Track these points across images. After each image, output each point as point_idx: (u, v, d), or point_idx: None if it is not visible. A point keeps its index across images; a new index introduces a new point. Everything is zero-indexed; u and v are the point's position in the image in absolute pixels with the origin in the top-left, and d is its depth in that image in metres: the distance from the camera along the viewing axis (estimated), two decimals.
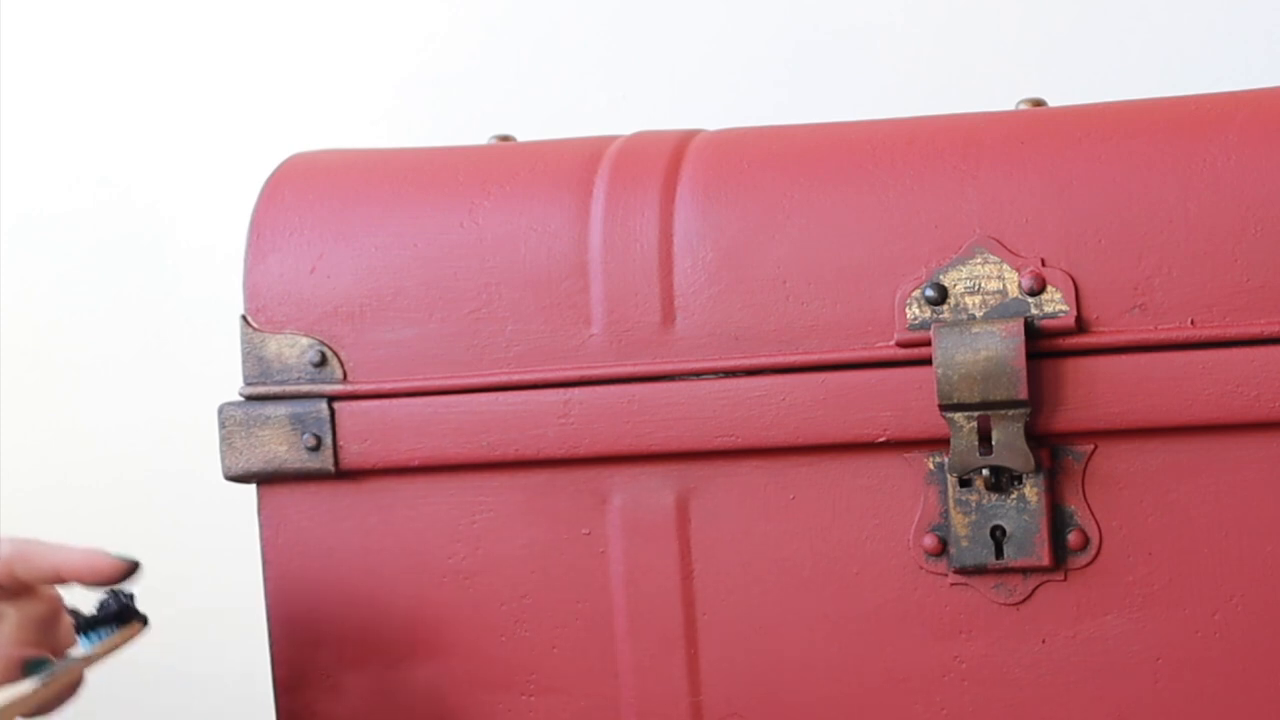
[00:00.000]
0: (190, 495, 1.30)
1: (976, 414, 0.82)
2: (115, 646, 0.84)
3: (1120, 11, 1.20)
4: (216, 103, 1.33)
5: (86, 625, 0.84)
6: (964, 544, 0.84)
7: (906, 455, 0.84)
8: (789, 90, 1.25)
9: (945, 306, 0.83)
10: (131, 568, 0.83)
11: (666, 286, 0.86)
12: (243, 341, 0.90)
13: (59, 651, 0.84)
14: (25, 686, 0.80)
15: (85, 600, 0.85)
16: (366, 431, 0.88)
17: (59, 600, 0.85)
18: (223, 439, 0.90)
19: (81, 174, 1.34)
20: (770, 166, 0.87)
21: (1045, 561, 0.83)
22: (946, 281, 0.83)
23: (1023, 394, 0.81)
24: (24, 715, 0.82)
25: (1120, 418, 0.82)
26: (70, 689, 0.84)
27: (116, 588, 0.84)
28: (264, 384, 0.90)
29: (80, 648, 0.84)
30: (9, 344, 1.35)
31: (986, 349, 0.82)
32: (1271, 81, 0.91)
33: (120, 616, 0.84)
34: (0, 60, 1.35)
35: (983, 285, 0.83)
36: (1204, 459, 0.82)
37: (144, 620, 0.85)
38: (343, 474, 0.89)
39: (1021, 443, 0.82)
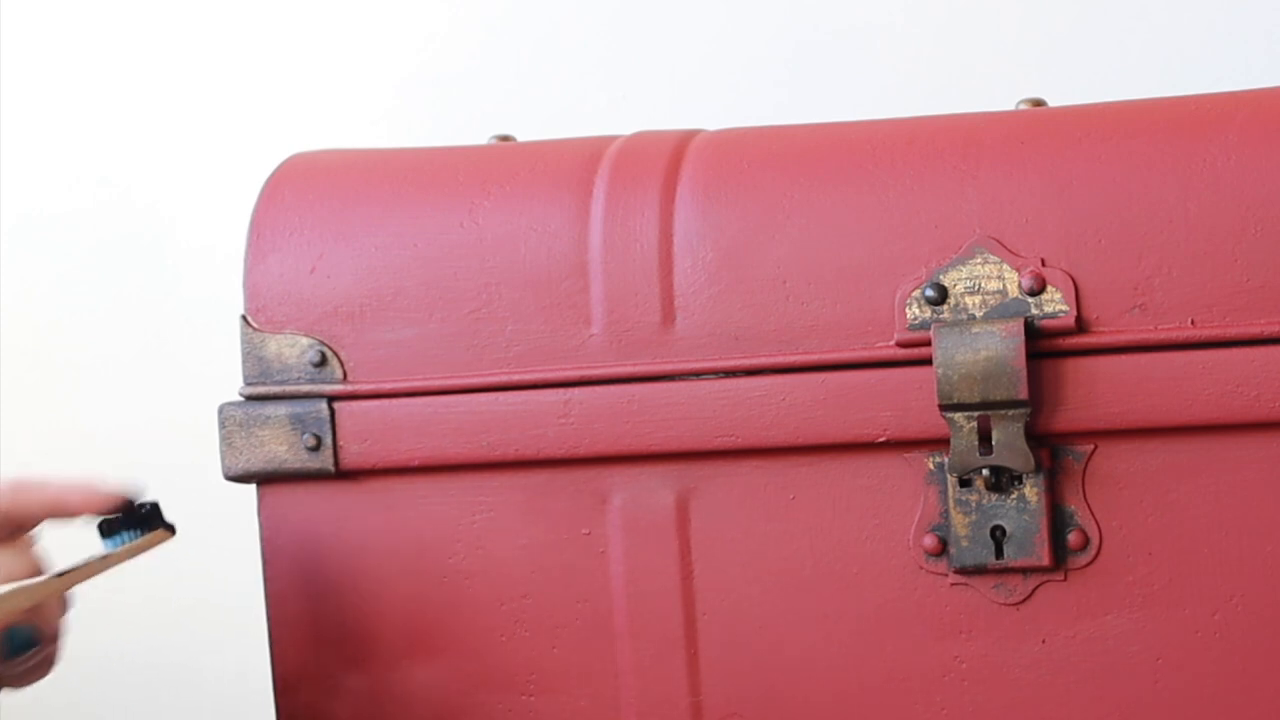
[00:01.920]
0: (190, 495, 1.30)
1: (976, 414, 0.82)
2: (138, 550, 0.84)
3: (1120, 11, 1.20)
4: (216, 103, 1.33)
5: (110, 528, 0.84)
6: (964, 544, 0.84)
7: (906, 455, 0.84)
8: (789, 90, 1.25)
9: (945, 306, 0.83)
10: (127, 502, 0.83)
11: (666, 286, 0.86)
12: (243, 341, 0.90)
13: (38, 618, 0.83)
14: (40, 577, 0.80)
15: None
16: (366, 431, 0.88)
17: (42, 564, 0.84)
18: (223, 439, 0.90)
19: (82, 174, 1.34)
20: (770, 166, 0.87)
21: (1045, 561, 0.83)
22: (946, 281, 0.83)
23: (1023, 394, 0.81)
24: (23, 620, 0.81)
25: (1120, 418, 0.82)
26: (63, 604, 0.83)
27: (142, 499, 0.84)
28: (264, 384, 0.90)
29: (103, 549, 0.83)
30: (9, 344, 1.35)
31: (986, 349, 0.82)
32: (1271, 81, 0.91)
33: (145, 522, 0.84)
34: (0, 60, 1.35)
35: (983, 285, 0.83)
36: (1204, 459, 0.82)
37: (171, 529, 0.85)
38: (343, 474, 0.89)
39: (1021, 443, 0.82)
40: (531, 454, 0.87)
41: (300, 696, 0.90)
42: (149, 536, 0.84)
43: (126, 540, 0.83)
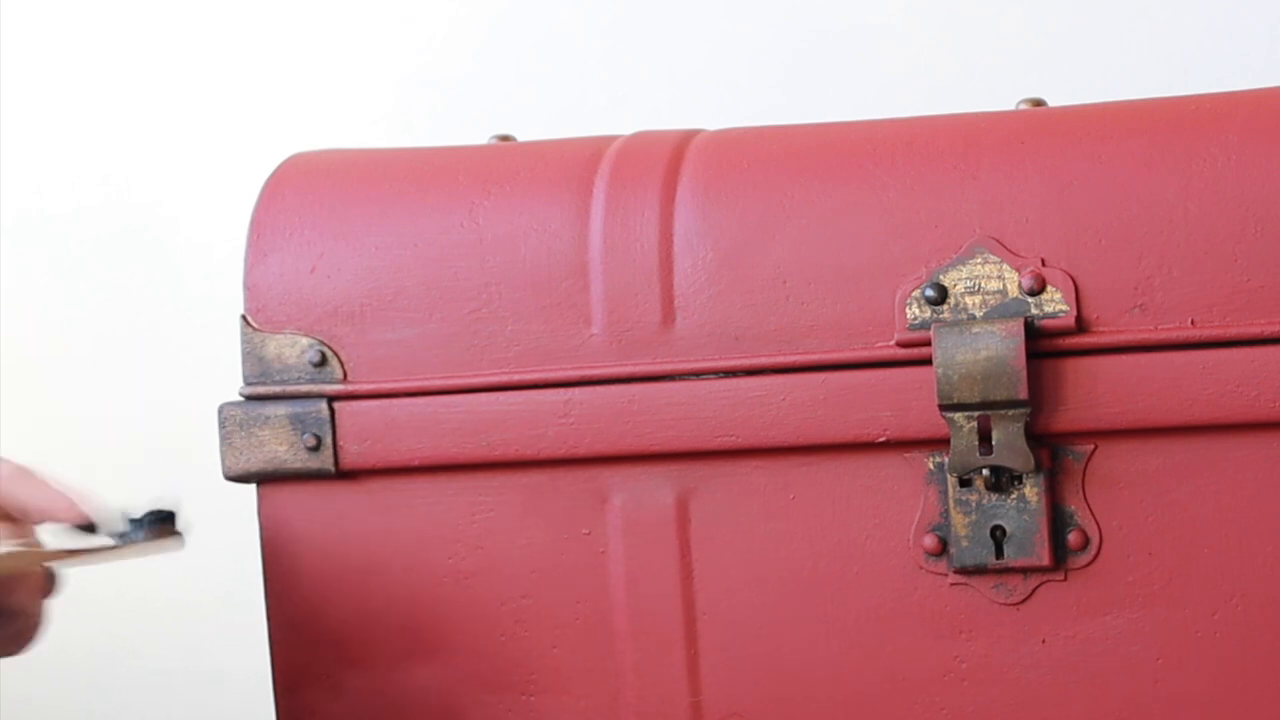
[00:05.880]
0: (190, 495, 1.29)
1: (976, 414, 0.82)
2: (146, 551, 0.85)
3: (1120, 11, 1.20)
4: (217, 102, 1.33)
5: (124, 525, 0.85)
6: (964, 544, 0.84)
7: (906, 455, 0.84)
8: (789, 90, 1.25)
9: (945, 306, 0.83)
10: (91, 524, 0.83)
11: (666, 286, 0.86)
12: (243, 341, 0.90)
13: (20, 588, 0.82)
14: (46, 546, 0.80)
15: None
16: (366, 431, 0.88)
17: (36, 571, 0.83)
18: (223, 439, 0.90)
19: (82, 173, 1.34)
20: (770, 166, 0.87)
21: (1045, 561, 0.83)
22: (946, 281, 0.83)
23: (1023, 394, 0.81)
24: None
25: (1120, 418, 0.82)
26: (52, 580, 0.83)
27: (161, 504, 0.85)
28: (264, 384, 0.90)
29: (114, 540, 0.84)
30: (9, 343, 1.35)
31: (987, 349, 0.82)
32: (1271, 81, 0.91)
33: (157, 526, 0.85)
34: (0, 60, 1.35)
35: (983, 285, 0.83)
36: (1204, 459, 0.82)
37: (180, 538, 0.86)
38: (343, 474, 0.89)
39: (1021, 443, 0.82)
40: (531, 454, 0.87)
41: (300, 696, 0.90)
42: (160, 541, 0.85)
43: (137, 539, 0.84)
